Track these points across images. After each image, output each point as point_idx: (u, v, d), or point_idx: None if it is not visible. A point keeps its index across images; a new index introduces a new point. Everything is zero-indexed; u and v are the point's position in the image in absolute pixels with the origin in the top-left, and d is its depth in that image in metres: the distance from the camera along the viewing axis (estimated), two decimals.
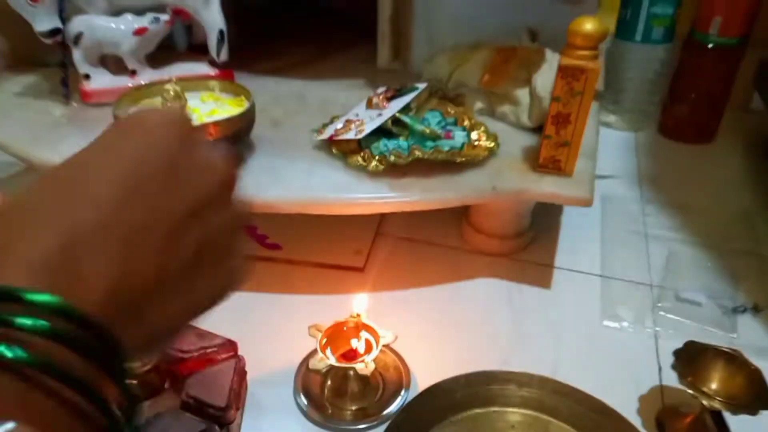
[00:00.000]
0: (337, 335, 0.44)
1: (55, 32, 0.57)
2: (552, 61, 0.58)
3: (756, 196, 0.72)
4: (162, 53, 0.66)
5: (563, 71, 0.45)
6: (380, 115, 0.54)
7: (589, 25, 0.44)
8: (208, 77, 0.63)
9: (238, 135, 0.50)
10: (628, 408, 0.44)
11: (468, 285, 0.56)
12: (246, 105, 0.51)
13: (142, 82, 0.62)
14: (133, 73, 0.63)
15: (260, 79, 0.71)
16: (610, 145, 0.84)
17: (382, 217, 0.65)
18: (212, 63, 0.66)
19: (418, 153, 0.49)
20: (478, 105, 0.62)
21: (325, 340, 0.44)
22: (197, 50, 0.69)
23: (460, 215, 0.62)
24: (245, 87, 0.54)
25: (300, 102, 0.65)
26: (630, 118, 0.88)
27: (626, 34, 0.82)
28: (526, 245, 0.61)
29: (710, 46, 0.77)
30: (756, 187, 0.73)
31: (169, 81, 0.51)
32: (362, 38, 0.78)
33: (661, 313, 0.53)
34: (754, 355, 0.42)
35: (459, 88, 0.63)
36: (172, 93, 0.50)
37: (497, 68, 0.59)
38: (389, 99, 0.56)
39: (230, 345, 0.44)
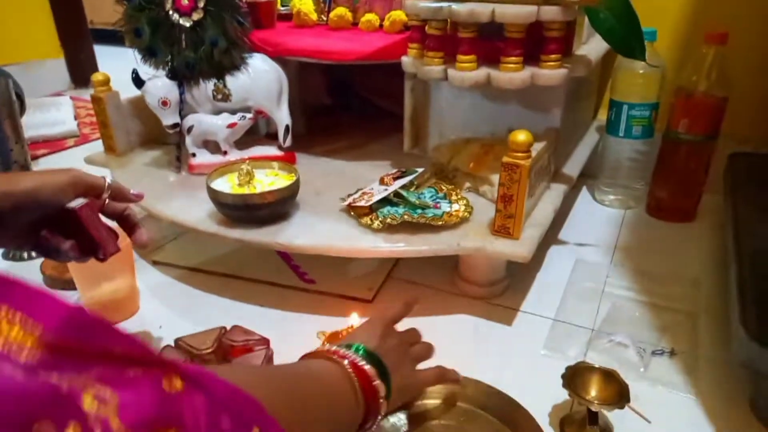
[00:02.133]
0: (335, 339, 0.64)
1: (176, 125, 0.85)
2: None
3: (709, 267, 0.85)
4: (247, 137, 0.92)
5: (505, 166, 0.65)
6: (386, 189, 0.75)
7: (521, 136, 0.64)
8: (275, 158, 0.87)
9: (286, 199, 0.74)
10: (542, 412, 0.60)
11: (447, 318, 0.75)
12: (294, 179, 0.75)
13: (231, 159, 0.88)
14: (225, 153, 0.89)
15: (315, 159, 0.95)
16: (602, 221, 1.00)
17: (395, 264, 0.85)
18: (280, 147, 0.92)
19: (407, 217, 0.70)
20: (467, 184, 0.82)
21: (326, 343, 0.64)
22: (272, 136, 0.95)
23: (454, 265, 0.81)
24: (295, 167, 0.77)
25: (339, 177, 0.88)
26: (622, 199, 1.04)
27: (612, 130, 1.00)
28: (502, 292, 0.79)
29: (681, 141, 0.93)
30: (712, 262, 0.86)
31: (244, 162, 0.76)
32: (397, 129, 1.01)
33: (591, 351, 0.68)
34: (657, 383, 0.58)
35: (454, 170, 0.84)
36: (245, 170, 0.75)
37: (480, 158, 0.80)
38: (395, 178, 0.78)
39: (264, 340, 0.65)
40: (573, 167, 0.90)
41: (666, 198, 0.99)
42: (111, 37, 1.02)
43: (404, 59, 0.79)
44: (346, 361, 0.44)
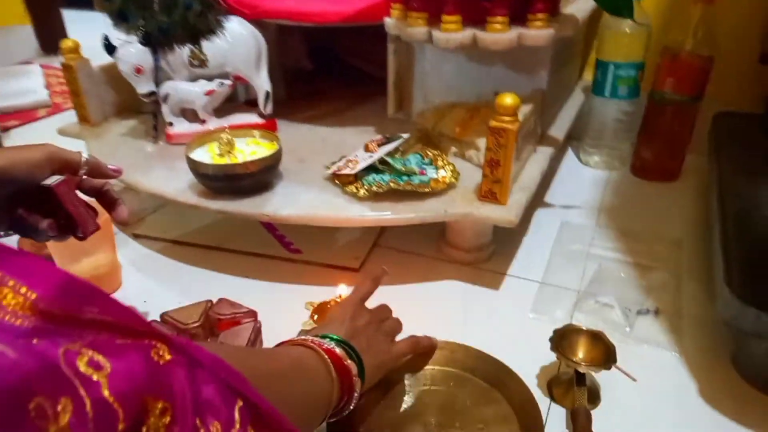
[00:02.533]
0: (323, 310, 0.64)
1: (151, 94, 0.82)
2: None
3: (693, 227, 0.85)
4: (226, 105, 0.90)
5: (492, 130, 0.63)
6: (371, 156, 0.74)
7: (508, 100, 0.62)
8: (255, 126, 0.85)
9: (269, 168, 0.72)
10: (530, 374, 0.60)
11: (435, 285, 0.74)
12: (276, 148, 0.73)
13: (210, 128, 0.86)
14: (203, 121, 0.86)
15: (296, 126, 0.93)
16: (586, 182, 1.00)
17: (381, 231, 0.84)
18: (260, 115, 0.89)
19: (392, 185, 0.69)
20: (453, 149, 0.81)
21: (315, 314, 0.64)
22: (252, 103, 0.93)
23: (441, 232, 0.80)
24: (277, 135, 0.75)
25: (322, 144, 0.87)
26: (607, 160, 1.04)
27: (598, 90, 0.99)
28: (489, 257, 0.79)
29: (666, 101, 0.93)
30: (696, 221, 0.87)
31: (223, 131, 0.74)
32: (381, 93, 0.99)
33: (578, 313, 0.69)
34: (642, 342, 0.59)
35: (440, 135, 0.82)
36: (225, 139, 0.72)
37: (466, 123, 0.78)
38: (380, 145, 0.76)
39: (252, 313, 0.64)
40: (559, 129, 0.89)
41: (651, 158, 0.99)
42: (80, 1, 0.97)
43: (387, 20, 0.76)
44: (319, 348, 0.46)
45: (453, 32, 0.68)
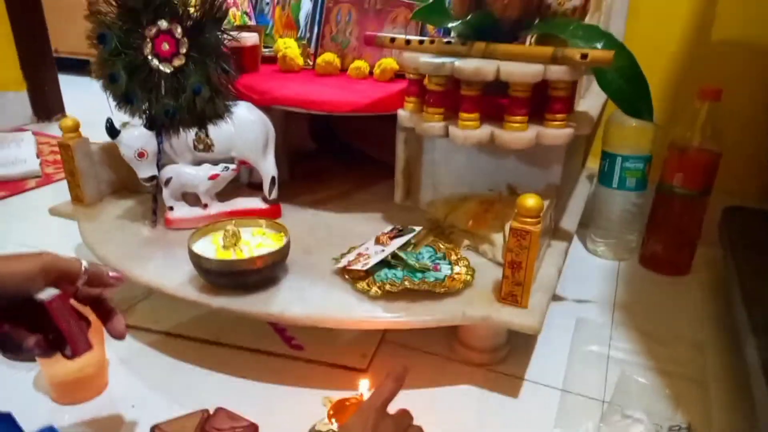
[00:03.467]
0: (342, 408, 0.58)
1: (152, 178, 0.79)
2: None
3: (712, 329, 0.82)
4: (228, 186, 0.86)
5: (514, 232, 0.61)
6: (383, 250, 0.70)
7: (531, 201, 0.60)
8: (259, 213, 0.82)
9: (276, 264, 0.68)
10: None
11: (448, 390, 0.69)
12: (284, 241, 0.69)
13: (212, 213, 0.82)
14: (205, 206, 0.83)
15: (301, 211, 0.90)
16: (596, 272, 0.98)
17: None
18: (264, 199, 0.86)
19: (407, 284, 0.65)
20: (465, 242, 0.78)
21: (332, 411, 0.58)
22: (255, 186, 0.90)
23: (452, 329, 0.76)
24: (284, 226, 0.72)
25: (328, 232, 0.83)
26: (614, 249, 1.02)
27: (605, 181, 0.98)
28: (504, 358, 0.74)
29: (675, 195, 0.92)
30: (714, 322, 0.84)
31: (228, 221, 0.70)
32: (385, 177, 0.97)
33: (605, 425, 0.64)
34: None
35: (451, 227, 0.80)
36: (230, 231, 0.69)
37: (480, 216, 0.76)
38: (392, 238, 0.73)
39: (252, 426, 0.59)
40: (570, 222, 0.87)
41: (660, 251, 0.97)
42: (76, 67, 0.95)
43: (401, 113, 0.75)
44: None
45: (471, 129, 0.67)
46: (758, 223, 0.91)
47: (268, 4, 1.15)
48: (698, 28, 0.99)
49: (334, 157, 1.15)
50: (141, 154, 0.77)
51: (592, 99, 0.87)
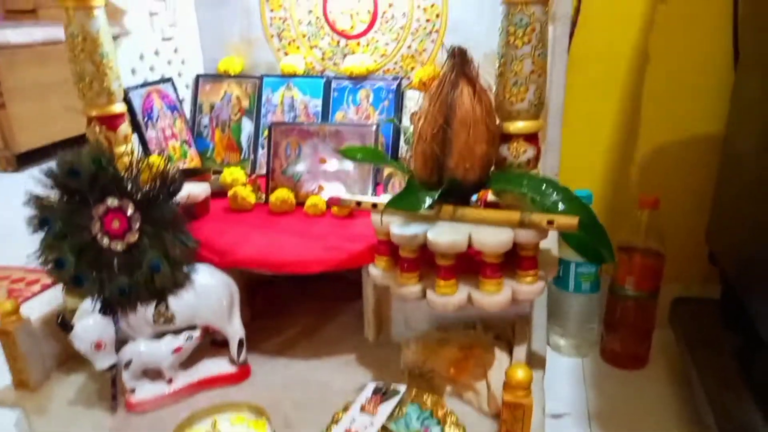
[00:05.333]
0: None
1: (112, 367, 0.73)
2: (501, 359, 0.75)
3: (682, 422, 0.87)
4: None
5: (507, 405, 0.61)
6: (372, 423, 0.69)
7: (521, 373, 0.61)
8: (227, 377, 0.78)
9: None
10: None
11: None
12: (265, 428, 0.66)
13: (177, 388, 0.77)
14: (170, 380, 0.78)
15: (270, 362, 0.86)
16: (563, 372, 1.01)
17: None
18: (232, 361, 0.82)
19: None
20: (448, 388, 0.78)
21: None
22: (219, 344, 0.85)
23: None
24: (264, 410, 0.68)
25: (304, 390, 0.80)
26: (577, 347, 1.05)
27: (561, 285, 1.02)
28: None
29: (628, 297, 0.97)
30: (682, 414, 0.89)
31: (208, 414, 0.66)
32: (347, 298, 0.95)
33: None
34: None
35: (431, 372, 0.79)
36: (211, 425, 0.65)
37: (460, 364, 0.76)
38: (378, 404, 0.72)
39: None
40: (539, 342, 0.90)
41: (619, 348, 1.02)
42: None
43: (373, 272, 0.75)
44: None
45: (449, 295, 0.67)
46: (706, 315, 0.98)
47: (206, 127, 1.13)
48: (630, 135, 1.07)
49: (290, 281, 1.12)
50: (98, 345, 0.71)
51: None
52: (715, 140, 0.99)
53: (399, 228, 0.68)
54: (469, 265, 0.70)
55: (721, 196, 0.96)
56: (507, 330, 0.82)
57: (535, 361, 0.85)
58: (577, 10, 0.95)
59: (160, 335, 0.77)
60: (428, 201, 0.65)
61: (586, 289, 1.00)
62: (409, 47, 1.03)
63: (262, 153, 1.09)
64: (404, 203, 0.66)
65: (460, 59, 0.67)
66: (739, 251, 0.86)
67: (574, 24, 0.96)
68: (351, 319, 0.94)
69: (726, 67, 0.97)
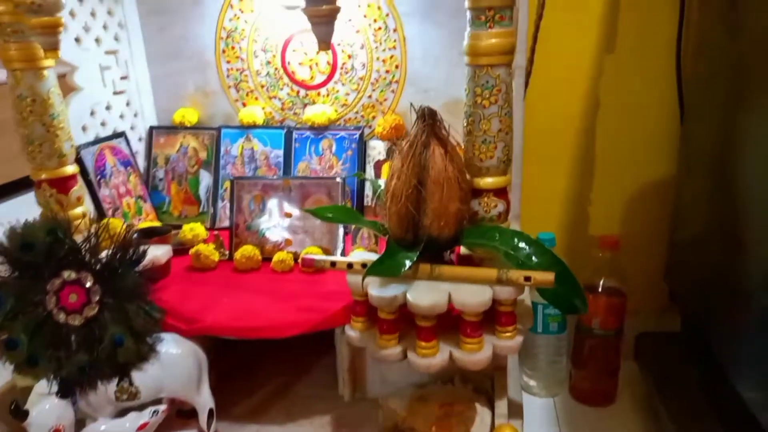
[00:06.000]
0: None
1: None
2: (482, 414, 0.74)
3: None
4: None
5: None
6: None
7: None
8: None
9: None
10: None
11: None
12: None
13: None
14: None
15: (242, 429, 0.82)
16: (536, 414, 1.01)
17: None
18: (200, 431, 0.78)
19: None
20: None
21: None
22: (186, 414, 0.80)
23: None
24: None
25: None
26: (547, 386, 1.07)
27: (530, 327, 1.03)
28: None
29: (594, 335, 0.99)
30: None
31: None
32: (315, 351, 0.92)
33: None
34: None
35: (411, 430, 0.78)
36: None
37: (442, 422, 0.75)
38: None
39: None
40: (514, 389, 0.90)
41: (588, 386, 1.04)
42: None
43: (351, 334, 0.73)
44: None
45: (431, 356, 0.67)
46: (668, 346, 1.01)
47: (161, 180, 1.09)
48: (586, 178, 1.10)
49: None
50: (57, 431, 0.66)
51: None
52: (667, 183, 1.04)
53: (377, 290, 0.67)
54: (446, 320, 0.70)
55: (677, 236, 1.01)
56: (485, 381, 0.82)
57: (514, 411, 0.85)
58: (531, 61, 0.99)
59: (123, 412, 0.72)
60: (408, 264, 0.65)
61: (554, 329, 1.02)
62: (370, 97, 1.03)
63: (221, 205, 1.06)
64: (384, 269, 0.65)
65: (430, 120, 0.67)
66: (697, 289, 0.90)
67: (528, 74, 0.99)
68: (324, 374, 0.92)
69: (673, 115, 1.02)
